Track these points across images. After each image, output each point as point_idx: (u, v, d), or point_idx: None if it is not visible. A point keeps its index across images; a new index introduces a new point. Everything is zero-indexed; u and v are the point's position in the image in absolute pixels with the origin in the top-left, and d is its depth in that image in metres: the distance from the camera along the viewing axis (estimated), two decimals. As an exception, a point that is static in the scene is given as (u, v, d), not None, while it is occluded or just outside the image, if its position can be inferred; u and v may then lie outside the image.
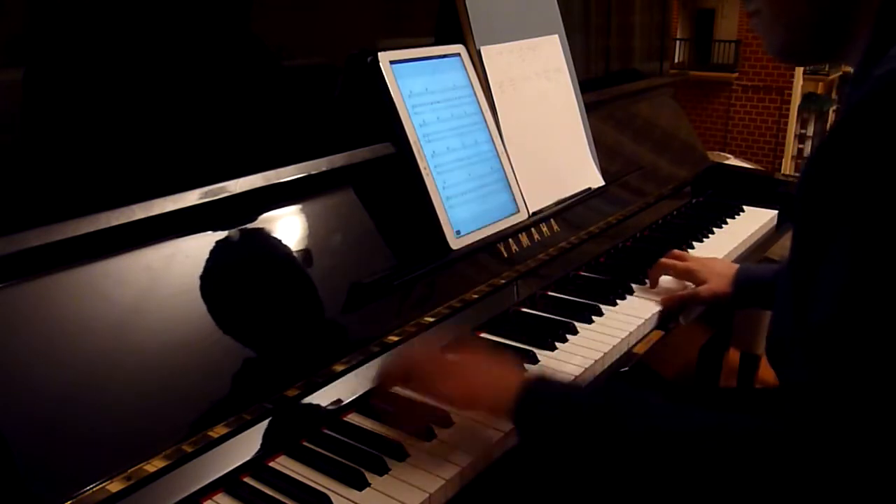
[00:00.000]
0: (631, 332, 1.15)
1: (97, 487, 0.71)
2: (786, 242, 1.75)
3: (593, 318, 1.18)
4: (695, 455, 0.72)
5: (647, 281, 1.31)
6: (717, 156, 2.45)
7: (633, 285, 1.29)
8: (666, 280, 1.30)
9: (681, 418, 0.74)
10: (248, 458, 0.83)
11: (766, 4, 0.81)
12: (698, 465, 0.72)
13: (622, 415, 0.76)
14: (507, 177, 1.28)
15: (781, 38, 0.82)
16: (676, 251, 1.35)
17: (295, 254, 0.97)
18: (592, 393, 0.83)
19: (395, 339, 1.02)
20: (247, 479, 0.82)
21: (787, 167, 3.56)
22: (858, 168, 0.65)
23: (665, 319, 1.23)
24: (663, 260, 1.31)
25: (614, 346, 1.10)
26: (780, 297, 0.88)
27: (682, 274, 1.28)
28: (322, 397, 0.92)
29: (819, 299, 0.69)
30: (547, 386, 0.84)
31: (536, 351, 1.06)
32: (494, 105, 1.29)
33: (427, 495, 0.79)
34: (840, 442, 0.64)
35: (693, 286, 1.27)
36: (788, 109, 3.47)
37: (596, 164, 1.50)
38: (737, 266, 1.26)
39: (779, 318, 0.90)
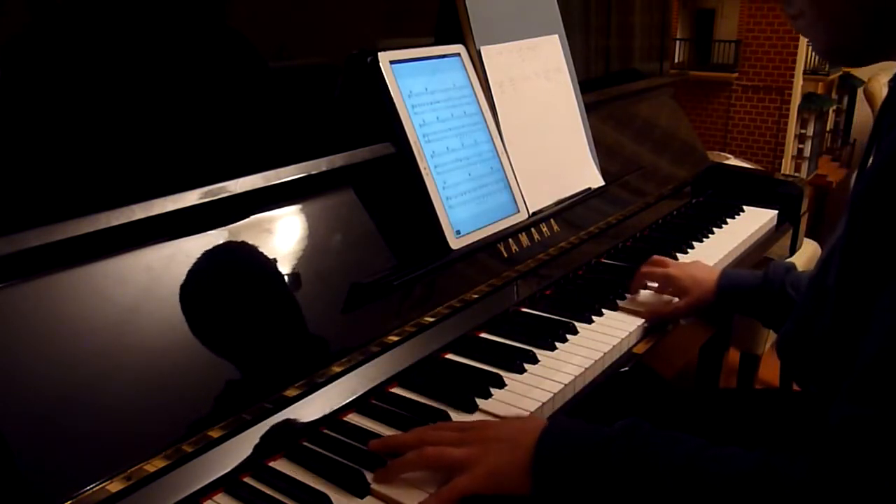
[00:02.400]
0: (631, 332, 1.15)
1: (97, 487, 0.71)
2: (785, 242, 1.76)
3: (593, 318, 1.18)
4: (735, 498, 0.68)
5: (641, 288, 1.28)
6: (717, 156, 2.45)
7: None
8: (647, 293, 1.26)
9: (716, 458, 0.71)
10: (247, 458, 0.83)
11: (808, 6, 0.78)
12: None
13: (652, 452, 0.73)
14: (507, 177, 1.28)
15: (828, 39, 0.79)
16: (657, 257, 1.30)
17: (295, 254, 0.97)
18: (620, 429, 0.76)
19: (395, 338, 1.02)
20: (247, 479, 0.82)
21: (787, 167, 3.56)
22: None
23: (664, 322, 1.23)
24: (643, 268, 1.26)
25: (614, 346, 1.10)
26: (811, 300, 0.87)
27: (662, 280, 1.24)
28: (322, 397, 0.92)
29: (872, 336, 0.68)
30: (568, 424, 0.80)
31: (536, 351, 1.06)
32: (494, 105, 1.29)
33: (427, 495, 0.79)
34: (885, 485, 0.62)
35: (674, 296, 1.23)
36: (788, 109, 3.46)
37: (596, 164, 1.50)
38: (718, 270, 1.22)
39: (804, 321, 0.88)
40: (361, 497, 0.79)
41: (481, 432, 0.82)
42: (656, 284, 1.26)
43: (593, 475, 0.74)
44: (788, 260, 1.77)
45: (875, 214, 0.70)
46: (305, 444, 0.87)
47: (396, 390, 0.99)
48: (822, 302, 0.82)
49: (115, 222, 0.81)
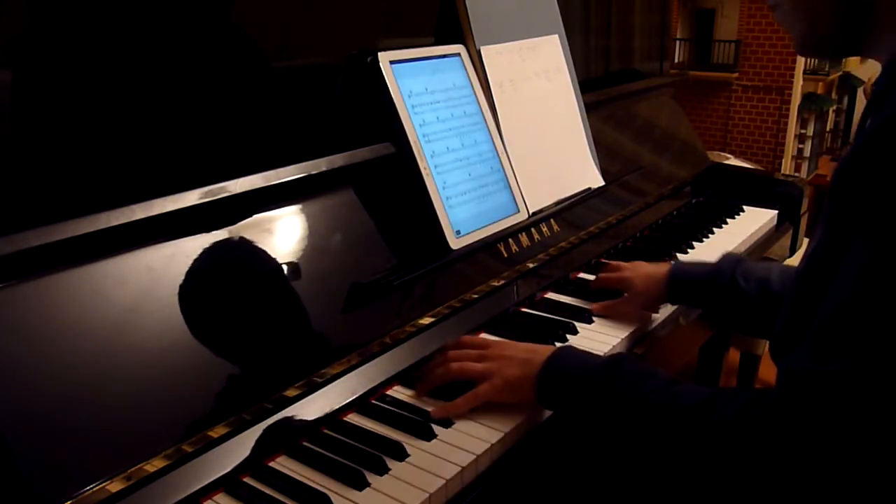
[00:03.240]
0: (631, 332, 1.15)
1: (97, 487, 0.71)
2: (785, 242, 1.76)
3: (593, 318, 1.18)
4: (672, 433, 0.77)
5: None
6: (717, 156, 2.45)
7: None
8: None
9: (669, 397, 0.79)
10: (247, 458, 0.83)
11: None
12: (674, 443, 0.77)
13: (620, 387, 0.84)
14: (506, 177, 1.28)
15: (803, 31, 0.82)
16: (612, 263, 1.31)
17: (295, 254, 0.97)
18: (602, 364, 0.88)
19: (396, 338, 1.02)
20: (247, 479, 0.82)
21: (787, 167, 3.56)
22: (883, 182, 0.65)
23: (666, 320, 1.22)
24: (601, 275, 1.27)
25: (614, 347, 1.10)
26: (799, 298, 0.88)
27: (615, 285, 1.24)
28: (322, 397, 0.92)
29: (829, 297, 0.70)
30: (569, 353, 0.93)
31: (536, 351, 1.06)
32: (494, 105, 1.29)
33: (427, 495, 0.79)
34: (832, 433, 0.66)
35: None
36: (788, 109, 3.47)
37: (596, 164, 1.50)
38: (668, 266, 1.22)
39: (793, 319, 0.89)
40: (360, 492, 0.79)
41: (499, 350, 0.97)
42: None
43: (578, 398, 0.87)
44: (788, 260, 1.78)
45: (843, 199, 0.72)
46: (305, 443, 0.87)
47: (397, 389, 0.99)
48: (811, 299, 0.82)
49: (115, 222, 0.81)
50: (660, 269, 1.22)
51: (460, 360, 0.96)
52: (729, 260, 1.16)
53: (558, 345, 1.02)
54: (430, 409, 0.93)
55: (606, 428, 0.85)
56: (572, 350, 0.96)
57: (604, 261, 1.43)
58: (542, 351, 0.93)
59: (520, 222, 1.27)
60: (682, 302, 1.22)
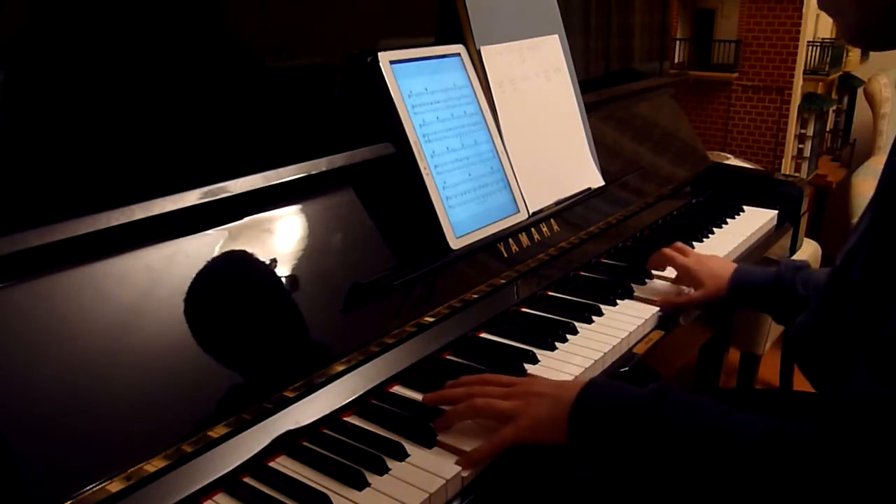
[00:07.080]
0: (631, 332, 1.15)
1: (97, 487, 0.71)
2: (785, 242, 1.76)
3: (593, 318, 1.18)
4: (743, 466, 0.71)
5: (647, 281, 1.32)
6: (717, 156, 2.45)
7: (633, 285, 1.29)
8: (662, 283, 1.31)
9: (732, 425, 0.74)
10: (247, 458, 0.83)
11: None
12: (744, 477, 0.71)
13: (674, 418, 0.77)
14: (506, 177, 1.28)
15: (854, 19, 0.77)
16: (680, 244, 1.34)
17: (295, 254, 0.97)
18: (648, 395, 0.80)
19: (395, 339, 1.02)
20: (247, 479, 0.82)
21: (787, 167, 3.56)
22: None
23: (665, 319, 1.23)
24: (665, 250, 1.31)
25: (614, 346, 1.10)
26: (833, 293, 0.86)
27: (680, 269, 1.28)
28: (322, 397, 0.92)
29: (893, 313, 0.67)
30: (604, 385, 0.86)
31: (536, 351, 1.06)
32: (494, 105, 1.29)
33: (427, 495, 0.79)
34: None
35: (688, 287, 1.27)
36: (788, 109, 3.46)
37: (596, 164, 1.50)
38: (734, 266, 1.25)
39: (825, 314, 0.87)
40: (360, 491, 0.79)
41: (526, 387, 0.88)
42: (674, 273, 1.29)
43: (621, 434, 0.79)
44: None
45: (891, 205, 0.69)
46: (305, 443, 0.87)
47: (397, 390, 0.99)
48: (845, 295, 0.80)
49: (115, 222, 0.81)
50: (723, 269, 1.24)
51: (484, 395, 0.88)
52: (789, 267, 1.18)
53: (575, 375, 0.94)
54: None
55: (654, 463, 0.78)
56: (604, 382, 0.87)
57: (605, 261, 1.43)
58: (572, 386, 0.85)
59: (520, 222, 1.27)
60: (741, 306, 1.24)
